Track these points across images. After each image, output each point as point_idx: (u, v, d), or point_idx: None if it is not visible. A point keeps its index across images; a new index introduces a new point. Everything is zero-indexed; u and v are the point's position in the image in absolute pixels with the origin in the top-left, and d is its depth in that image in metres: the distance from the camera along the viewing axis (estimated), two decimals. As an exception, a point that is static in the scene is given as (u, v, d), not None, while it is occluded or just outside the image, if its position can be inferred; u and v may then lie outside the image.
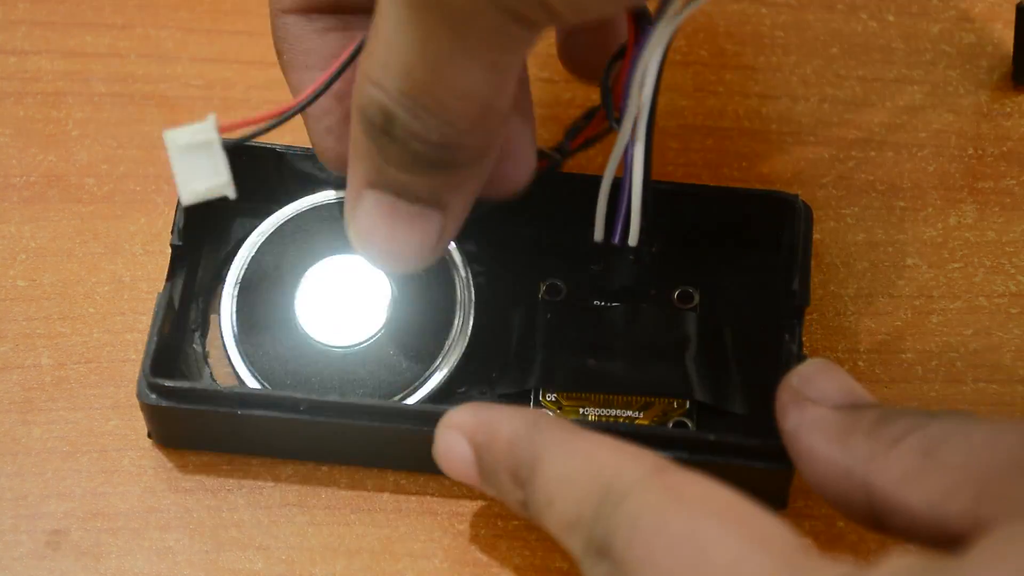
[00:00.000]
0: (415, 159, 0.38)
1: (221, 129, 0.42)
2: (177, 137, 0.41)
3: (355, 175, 0.40)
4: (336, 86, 0.42)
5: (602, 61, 0.42)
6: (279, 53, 0.44)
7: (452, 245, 0.46)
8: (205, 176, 0.41)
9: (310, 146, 0.44)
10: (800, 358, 0.43)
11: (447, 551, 0.44)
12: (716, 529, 0.35)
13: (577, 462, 0.37)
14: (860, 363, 0.47)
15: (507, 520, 0.45)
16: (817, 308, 0.48)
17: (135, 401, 0.46)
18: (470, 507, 0.45)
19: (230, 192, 0.42)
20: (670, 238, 0.47)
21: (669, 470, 0.36)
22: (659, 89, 0.41)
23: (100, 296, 0.48)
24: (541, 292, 0.47)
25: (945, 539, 0.35)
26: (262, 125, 0.42)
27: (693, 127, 0.51)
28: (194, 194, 0.41)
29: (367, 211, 0.40)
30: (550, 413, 0.39)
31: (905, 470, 0.36)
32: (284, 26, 0.43)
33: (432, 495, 0.45)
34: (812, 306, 0.47)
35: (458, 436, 0.41)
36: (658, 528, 0.35)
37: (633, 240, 0.43)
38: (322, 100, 0.42)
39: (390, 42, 0.37)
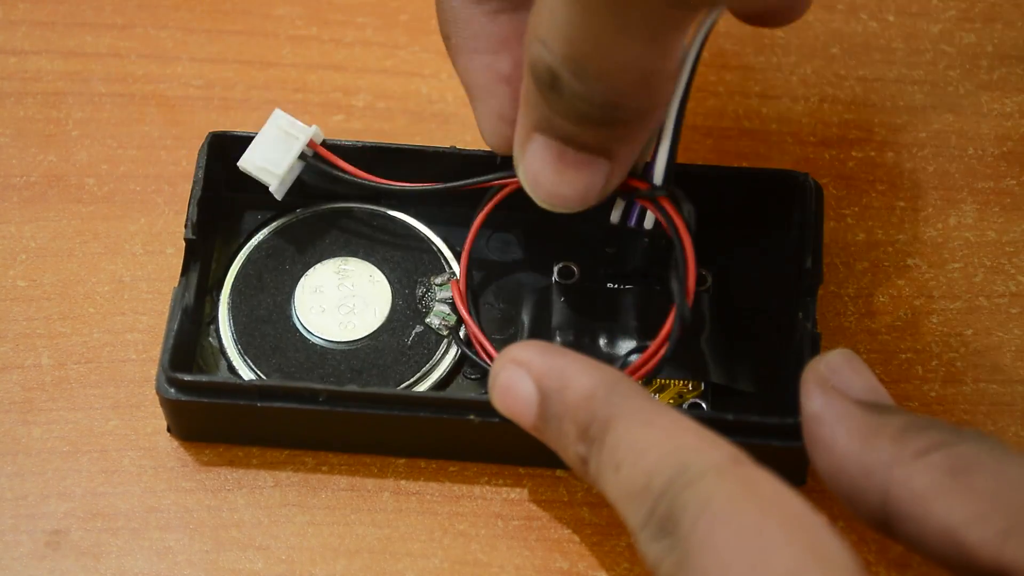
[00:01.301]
0: (581, 116, 0.39)
1: (313, 144, 0.45)
2: (280, 118, 0.45)
3: (525, 118, 0.40)
4: (503, 67, 0.42)
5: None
6: (446, 37, 0.44)
7: (440, 243, 0.47)
8: (270, 160, 0.45)
9: (322, 154, 0.46)
10: (815, 336, 0.43)
11: (447, 551, 0.44)
12: (783, 535, 0.35)
13: (655, 434, 0.37)
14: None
15: (507, 520, 0.45)
16: (817, 308, 0.48)
17: (135, 401, 0.46)
18: (470, 507, 0.45)
19: (273, 185, 0.45)
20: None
21: (747, 463, 0.36)
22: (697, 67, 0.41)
23: (100, 296, 0.48)
24: (554, 274, 0.47)
25: (957, 561, 0.36)
26: (344, 171, 0.46)
27: (693, 127, 0.51)
28: (249, 163, 0.45)
29: (536, 154, 0.41)
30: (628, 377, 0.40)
31: (929, 485, 0.36)
32: (452, 9, 0.43)
33: (432, 495, 0.45)
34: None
35: (523, 374, 0.40)
36: (728, 517, 0.35)
37: (659, 179, 0.43)
38: (491, 84, 0.43)
39: (554, 11, 0.37)
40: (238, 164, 0.45)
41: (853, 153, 0.50)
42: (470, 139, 0.51)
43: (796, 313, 0.45)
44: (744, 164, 0.50)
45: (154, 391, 0.44)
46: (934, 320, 0.48)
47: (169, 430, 0.46)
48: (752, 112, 0.51)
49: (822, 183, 0.49)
